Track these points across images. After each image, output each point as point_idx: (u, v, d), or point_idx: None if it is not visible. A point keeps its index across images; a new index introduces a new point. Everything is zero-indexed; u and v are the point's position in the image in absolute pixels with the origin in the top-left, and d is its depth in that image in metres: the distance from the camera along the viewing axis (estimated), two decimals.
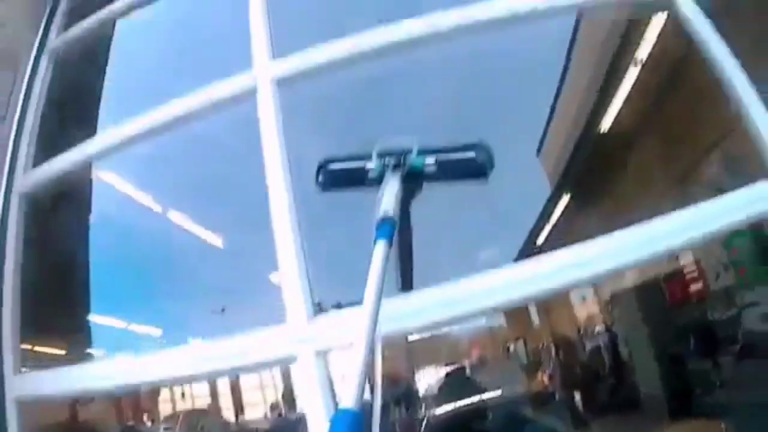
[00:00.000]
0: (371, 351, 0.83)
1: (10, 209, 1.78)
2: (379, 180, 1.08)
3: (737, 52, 1.46)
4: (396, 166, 1.09)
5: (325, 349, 1.22)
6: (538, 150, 2.81)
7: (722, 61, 1.44)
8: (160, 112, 1.72)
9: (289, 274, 1.29)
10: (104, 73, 2.34)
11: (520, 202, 2.69)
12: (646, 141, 3.49)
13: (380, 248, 0.90)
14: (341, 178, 1.21)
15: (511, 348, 4.60)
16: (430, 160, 1.12)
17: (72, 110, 2.20)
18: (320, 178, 1.22)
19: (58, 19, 2.32)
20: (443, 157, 1.14)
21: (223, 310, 2.41)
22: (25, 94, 2.04)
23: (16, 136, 1.93)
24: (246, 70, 1.63)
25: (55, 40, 2.23)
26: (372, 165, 1.11)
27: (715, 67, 1.45)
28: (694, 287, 3.68)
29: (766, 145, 1.34)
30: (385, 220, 0.94)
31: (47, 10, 2.30)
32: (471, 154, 1.15)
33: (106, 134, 1.85)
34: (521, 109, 2.37)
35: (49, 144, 2.03)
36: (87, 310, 2.20)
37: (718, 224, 1.24)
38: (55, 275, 2.03)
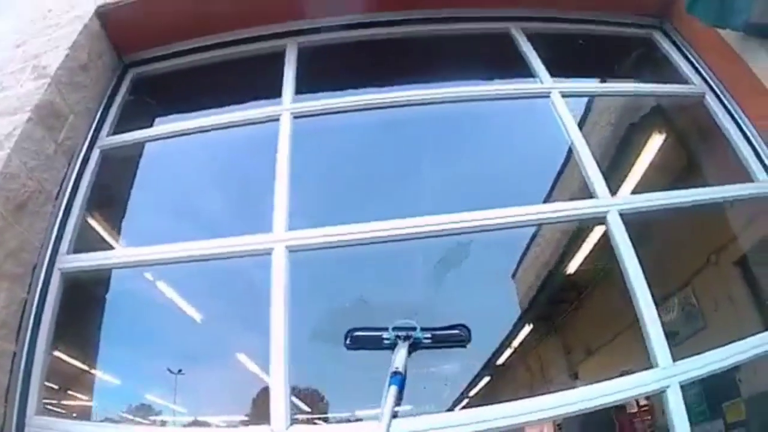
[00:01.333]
0: None
1: (51, 282, 2.09)
2: (390, 346, 1.59)
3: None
4: (406, 338, 1.60)
5: None
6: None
7: (631, 274, 1.99)
8: (190, 246, 2.20)
9: (277, 389, 1.74)
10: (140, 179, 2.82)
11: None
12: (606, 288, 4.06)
13: (392, 392, 1.40)
14: (364, 342, 1.71)
15: None
16: (427, 335, 1.65)
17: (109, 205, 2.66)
18: (348, 341, 1.70)
19: (111, 114, 2.72)
20: (436, 333, 1.68)
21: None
22: (75, 181, 2.37)
23: (63, 216, 2.26)
24: (261, 231, 2.16)
25: (105, 138, 2.60)
26: (387, 335, 1.63)
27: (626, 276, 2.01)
28: (645, 421, 3.99)
29: (652, 344, 1.86)
30: (396, 373, 1.46)
31: (101, 106, 2.69)
32: (456, 332, 1.72)
33: (140, 250, 2.29)
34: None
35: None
36: None
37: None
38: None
